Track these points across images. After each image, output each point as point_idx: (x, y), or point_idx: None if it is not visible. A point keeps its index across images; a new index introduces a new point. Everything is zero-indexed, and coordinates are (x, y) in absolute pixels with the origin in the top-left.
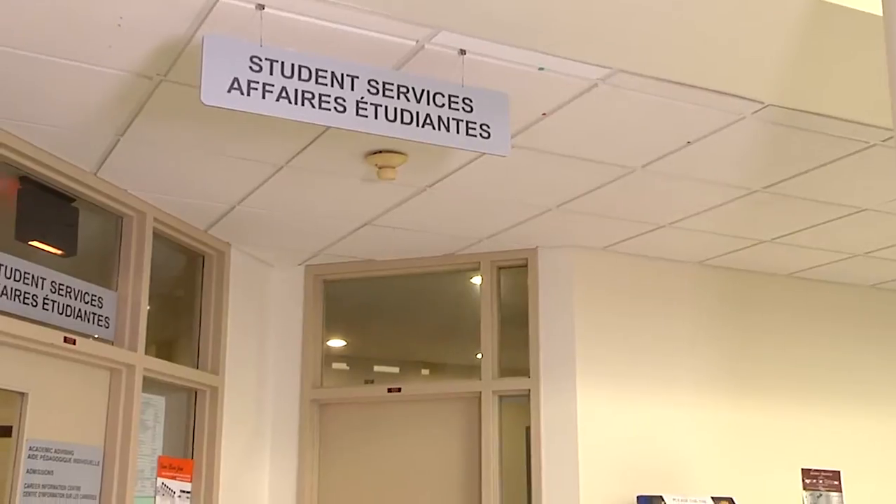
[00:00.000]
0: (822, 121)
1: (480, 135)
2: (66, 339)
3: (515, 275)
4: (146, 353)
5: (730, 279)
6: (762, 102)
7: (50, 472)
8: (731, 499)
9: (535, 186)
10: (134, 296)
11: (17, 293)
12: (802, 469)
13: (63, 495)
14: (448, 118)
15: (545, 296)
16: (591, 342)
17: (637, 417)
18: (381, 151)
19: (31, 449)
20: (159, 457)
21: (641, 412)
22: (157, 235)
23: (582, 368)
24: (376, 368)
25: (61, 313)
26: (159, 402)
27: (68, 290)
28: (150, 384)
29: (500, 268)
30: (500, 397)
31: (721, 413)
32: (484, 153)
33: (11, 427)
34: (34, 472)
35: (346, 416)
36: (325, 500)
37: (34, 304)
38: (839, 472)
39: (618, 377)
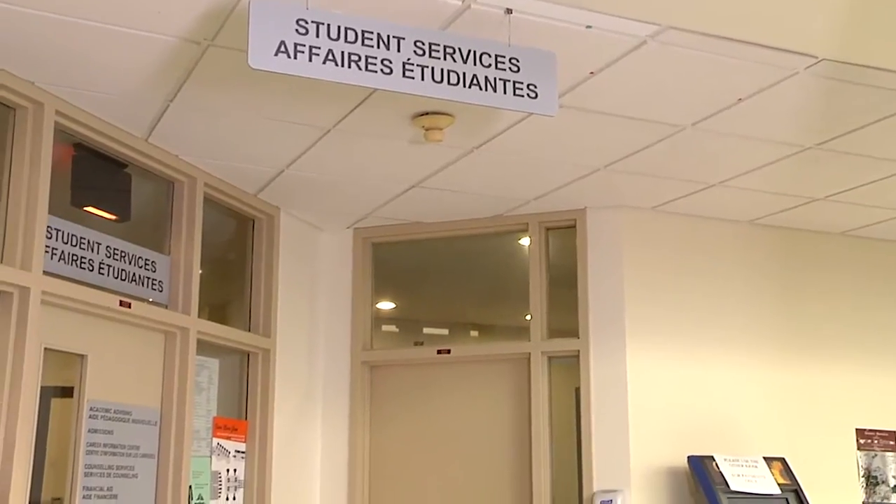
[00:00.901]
0: (878, 74)
1: (527, 95)
2: (121, 303)
3: (564, 236)
4: (199, 316)
5: (782, 238)
6: (816, 57)
7: (110, 432)
8: (783, 459)
9: (582, 147)
10: (186, 260)
11: (74, 258)
12: (857, 429)
13: (123, 454)
14: (495, 78)
15: (594, 256)
16: (641, 302)
17: (688, 377)
18: (428, 113)
19: (91, 409)
20: (214, 417)
21: (692, 372)
22: (208, 200)
23: (631, 329)
24: (425, 330)
25: (116, 277)
26: (213, 364)
27: (123, 254)
28: (204, 347)
29: (548, 229)
30: (550, 358)
31: (773, 372)
32: (531, 113)
33: (73, 388)
34: (95, 431)
35: (396, 378)
36: (376, 460)
37: (90, 268)
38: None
39: (668, 337)
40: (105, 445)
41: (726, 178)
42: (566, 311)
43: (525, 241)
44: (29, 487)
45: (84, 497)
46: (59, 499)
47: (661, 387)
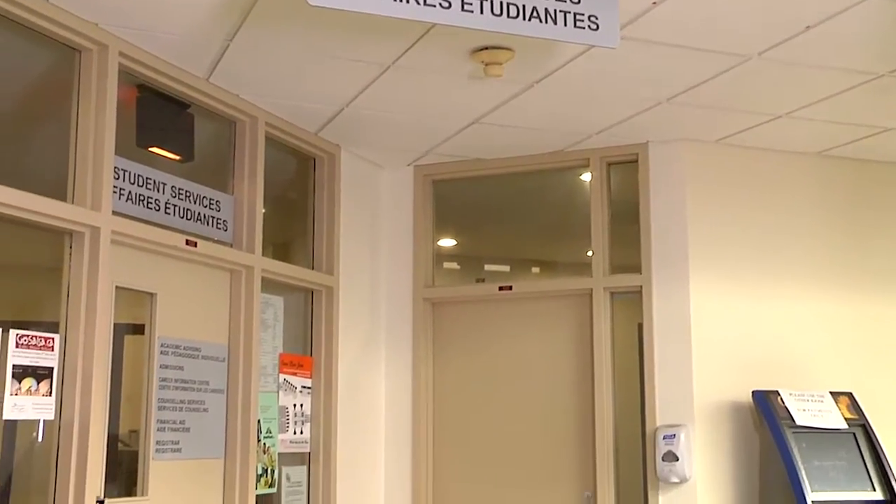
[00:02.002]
0: None
1: (588, 26)
2: (187, 242)
3: (625, 170)
4: (263, 254)
5: (851, 170)
6: None
7: (181, 368)
8: (850, 394)
9: (645, 79)
10: (249, 199)
11: (141, 198)
12: None
13: (194, 389)
14: (555, 10)
15: (656, 191)
16: (704, 237)
17: (752, 312)
18: (487, 48)
19: (162, 346)
20: (280, 354)
21: (757, 306)
22: (270, 139)
23: (695, 263)
24: (487, 267)
25: (182, 217)
26: (278, 301)
27: (188, 194)
28: (269, 285)
29: (609, 164)
30: (612, 294)
31: (840, 306)
32: (592, 46)
33: (144, 325)
34: (166, 367)
35: (458, 315)
36: (439, 395)
37: (157, 208)
38: None
39: (732, 271)
40: (176, 381)
41: (793, 109)
42: (628, 247)
43: (586, 177)
44: (107, 420)
45: (158, 429)
46: (135, 431)
47: (725, 321)
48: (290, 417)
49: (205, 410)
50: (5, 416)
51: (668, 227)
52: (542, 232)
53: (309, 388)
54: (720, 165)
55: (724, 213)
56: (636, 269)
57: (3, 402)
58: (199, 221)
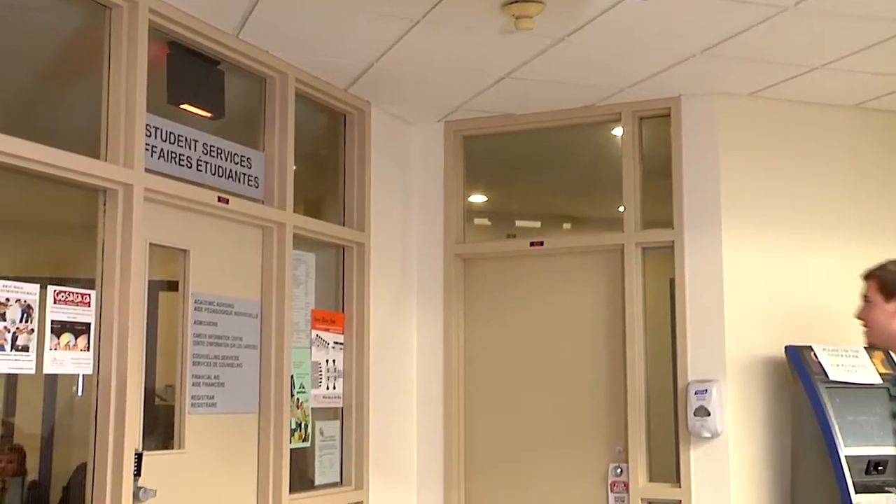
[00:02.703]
0: None
1: None
2: (219, 199)
3: (658, 125)
4: (295, 211)
5: (889, 122)
6: None
7: (214, 324)
8: (885, 349)
9: (677, 31)
10: (280, 156)
11: (173, 155)
12: None
13: (227, 344)
14: None
15: (689, 145)
16: (737, 191)
17: (785, 266)
18: (517, 1)
19: (196, 302)
20: (312, 310)
21: (790, 261)
22: (300, 96)
23: (727, 218)
24: (518, 223)
25: (214, 174)
26: (310, 258)
27: (219, 151)
28: (300, 241)
29: (641, 118)
30: (644, 249)
31: (875, 261)
32: None
33: (178, 282)
34: (200, 323)
35: (490, 270)
36: (470, 351)
37: (189, 165)
38: None
39: (765, 226)
40: (210, 336)
41: (830, 61)
42: (660, 202)
43: (618, 131)
44: (143, 375)
45: (193, 384)
46: (171, 386)
47: (758, 276)
48: (323, 373)
49: (239, 366)
50: (45, 371)
51: (701, 181)
52: (573, 187)
53: (341, 343)
54: (754, 119)
55: (757, 168)
56: (668, 224)
57: (43, 357)
58: (230, 178)
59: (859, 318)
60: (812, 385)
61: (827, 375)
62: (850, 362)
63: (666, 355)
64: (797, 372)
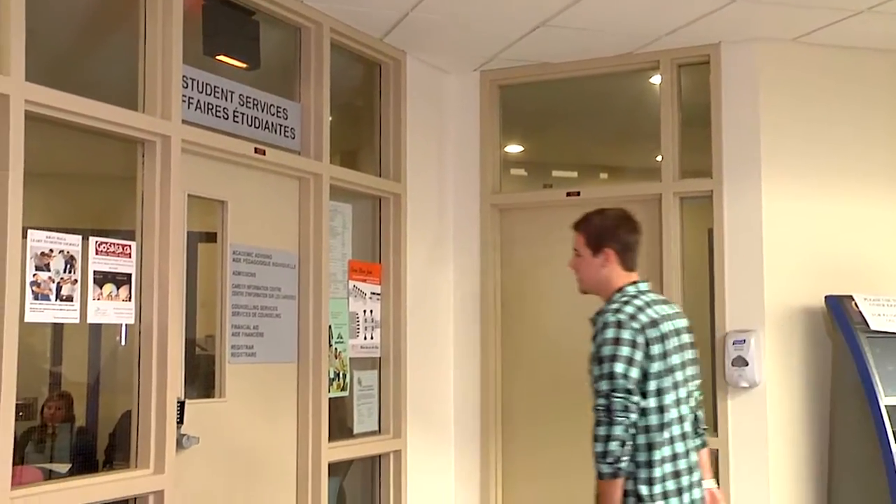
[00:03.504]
0: None
1: None
2: (256, 150)
3: (696, 72)
4: (331, 162)
5: None
6: None
7: (253, 275)
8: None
9: None
10: (316, 107)
11: (210, 107)
12: None
13: (266, 295)
14: None
15: (728, 93)
16: (778, 139)
17: (826, 215)
18: None
19: (234, 253)
20: (349, 261)
21: (831, 210)
22: (335, 46)
23: (767, 167)
24: (554, 173)
25: (250, 125)
26: (346, 209)
27: (255, 102)
28: (337, 192)
29: (680, 66)
30: (682, 199)
31: None
32: None
33: (216, 233)
34: (239, 273)
35: (526, 221)
36: (507, 300)
37: (225, 116)
38: None
39: (806, 175)
40: (249, 287)
41: (876, 4)
42: (698, 151)
43: (656, 79)
44: (184, 325)
45: (233, 334)
46: (211, 336)
47: (798, 225)
48: (361, 323)
49: (277, 316)
50: (89, 320)
51: (741, 129)
52: (610, 137)
53: (378, 294)
54: (796, 65)
55: (798, 115)
56: (707, 173)
57: (86, 307)
58: (266, 129)
59: (571, 268)
60: (852, 335)
61: (867, 325)
62: (891, 312)
63: (703, 305)
64: (837, 322)
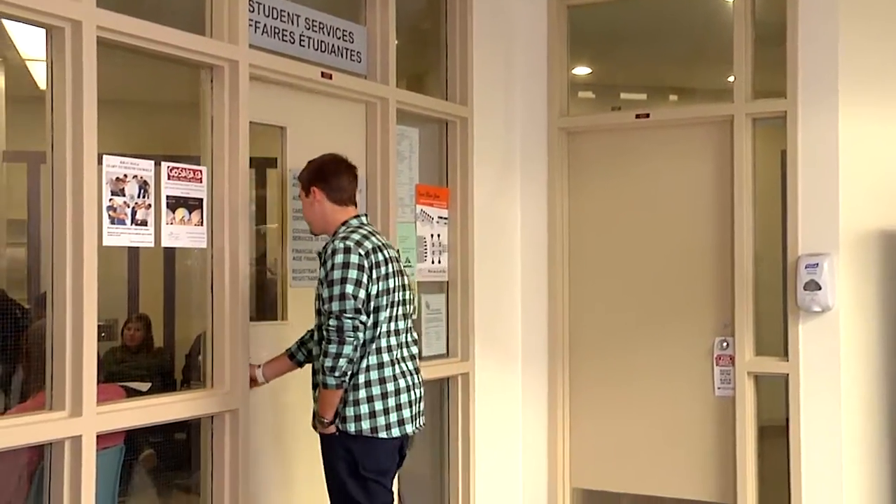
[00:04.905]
0: None
1: None
2: (322, 74)
3: None
4: (397, 86)
5: None
6: None
7: None
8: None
9: None
10: (382, 30)
11: (276, 30)
12: None
13: None
14: None
15: (805, 10)
16: (857, 58)
17: None
18: None
19: (294, 178)
20: (416, 185)
21: None
22: None
23: (845, 86)
24: (623, 95)
25: (316, 49)
26: (413, 133)
27: (321, 25)
28: (403, 116)
29: None
30: (754, 120)
31: None
32: None
33: (276, 158)
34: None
35: (594, 144)
36: (575, 224)
37: (291, 40)
38: None
39: (886, 95)
40: None
41: None
42: (772, 71)
43: None
44: (249, 248)
45: (294, 259)
46: (276, 259)
47: (876, 147)
48: (428, 247)
49: None
50: (163, 244)
51: (817, 48)
52: (680, 57)
53: (445, 218)
54: None
55: (878, 33)
56: (781, 93)
57: (160, 231)
58: (333, 53)
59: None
60: None
61: None
62: None
63: (775, 229)
64: None
